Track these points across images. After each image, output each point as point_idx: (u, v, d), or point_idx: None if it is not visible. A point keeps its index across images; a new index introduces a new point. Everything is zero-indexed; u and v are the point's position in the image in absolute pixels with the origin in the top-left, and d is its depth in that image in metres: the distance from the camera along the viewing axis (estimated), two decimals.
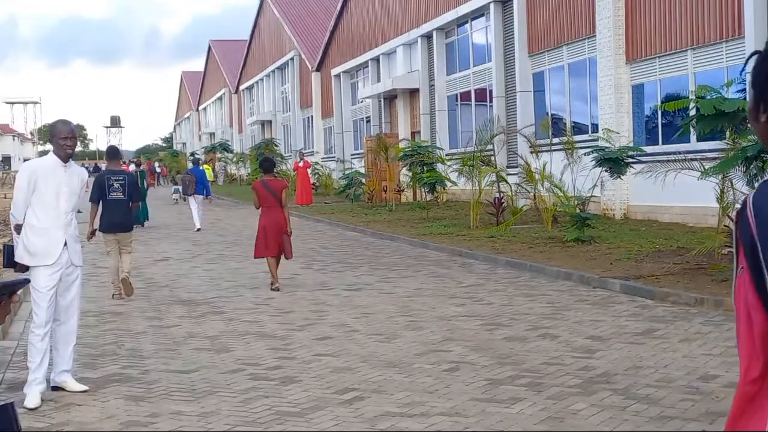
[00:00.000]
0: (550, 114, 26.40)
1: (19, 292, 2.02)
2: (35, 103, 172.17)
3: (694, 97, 14.13)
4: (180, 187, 32.15)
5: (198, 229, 24.88)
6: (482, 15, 30.69)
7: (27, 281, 2.10)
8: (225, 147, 64.97)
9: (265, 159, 15.30)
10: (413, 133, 36.27)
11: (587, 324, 10.07)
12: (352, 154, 43.90)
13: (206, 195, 26.03)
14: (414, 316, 10.86)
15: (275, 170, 16.21)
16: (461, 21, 32.35)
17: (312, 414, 6.77)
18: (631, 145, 20.32)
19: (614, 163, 17.69)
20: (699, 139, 18.01)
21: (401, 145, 30.88)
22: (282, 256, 13.83)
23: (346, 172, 37.17)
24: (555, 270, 14.16)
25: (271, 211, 13.86)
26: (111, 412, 6.95)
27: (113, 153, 14.26)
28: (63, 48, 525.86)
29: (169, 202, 40.91)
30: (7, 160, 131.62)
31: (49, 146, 8.47)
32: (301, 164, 36.41)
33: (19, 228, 7.49)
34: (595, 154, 18.02)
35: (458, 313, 11.00)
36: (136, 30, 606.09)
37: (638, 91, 22.18)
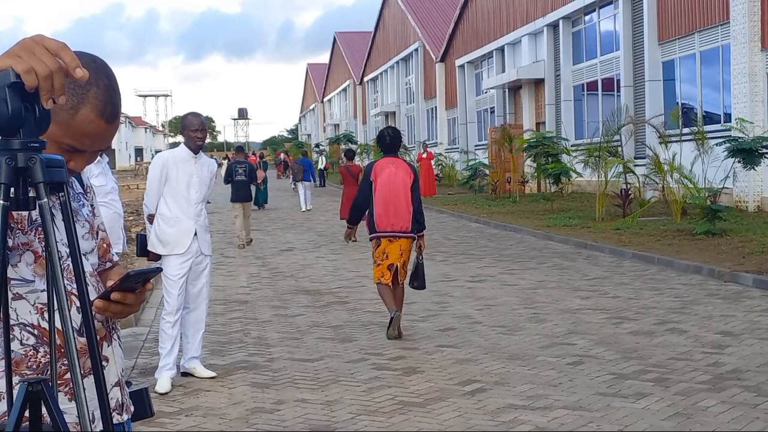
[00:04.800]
0: (680, 103, 25.72)
1: (151, 281, 2.08)
2: (166, 95, 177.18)
3: None
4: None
5: (304, 211, 29.13)
6: (610, 3, 30.11)
7: (159, 270, 2.16)
8: (349, 138, 65.42)
9: (349, 150, 22.34)
10: (538, 124, 35.88)
11: (717, 319, 9.81)
12: (475, 145, 43.70)
13: (313, 181, 31.22)
14: (537, 309, 10.77)
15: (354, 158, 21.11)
16: (588, 9, 31.81)
17: (434, 404, 6.78)
18: (766, 135, 19.64)
19: (748, 153, 17.18)
20: None
21: (525, 135, 30.58)
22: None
23: (470, 163, 36.99)
24: (684, 263, 13.83)
25: (351, 187, 18.81)
26: (238, 399, 7.12)
27: (239, 149, 22.53)
28: (200, 43, 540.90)
29: (289, 192, 41.78)
30: (139, 151, 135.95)
31: (179, 138, 8.71)
32: (424, 155, 36.49)
33: (152, 218, 7.71)
34: (728, 145, 17.51)
35: (583, 306, 10.85)
36: (269, 24, 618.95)
37: None
